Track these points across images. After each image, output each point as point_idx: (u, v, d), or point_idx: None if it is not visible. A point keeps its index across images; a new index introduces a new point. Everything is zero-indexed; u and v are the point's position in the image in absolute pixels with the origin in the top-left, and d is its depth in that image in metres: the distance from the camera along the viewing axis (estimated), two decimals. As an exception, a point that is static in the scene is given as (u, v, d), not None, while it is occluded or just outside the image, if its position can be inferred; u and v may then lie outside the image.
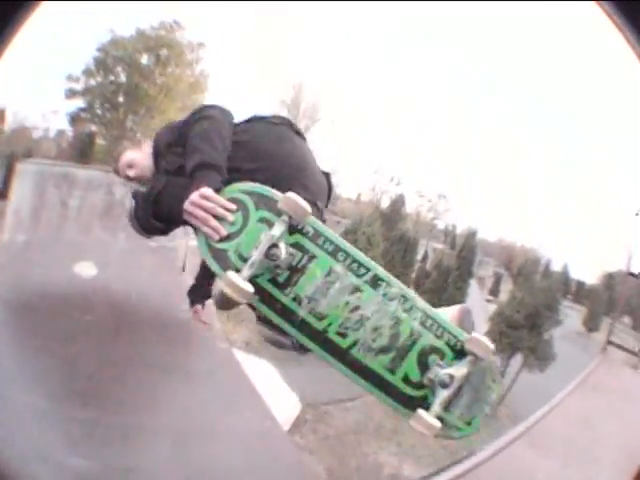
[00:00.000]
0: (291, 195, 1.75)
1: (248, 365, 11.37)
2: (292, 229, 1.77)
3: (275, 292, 1.78)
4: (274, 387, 11.14)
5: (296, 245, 1.78)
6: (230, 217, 1.81)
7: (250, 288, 1.67)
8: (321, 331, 1.79)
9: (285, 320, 1.79)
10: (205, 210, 1.82)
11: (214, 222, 1.82)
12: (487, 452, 6.95)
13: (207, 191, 1.84)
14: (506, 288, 31.98)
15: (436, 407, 1.75)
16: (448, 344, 1.82)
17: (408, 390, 1.86)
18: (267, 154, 2.25)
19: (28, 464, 7.57)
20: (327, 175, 2.45)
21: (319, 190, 2.34)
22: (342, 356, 1.80)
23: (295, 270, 1.77)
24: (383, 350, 1.79)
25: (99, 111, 16.60)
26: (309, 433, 11.48)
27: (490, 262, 39.22)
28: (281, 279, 1.77)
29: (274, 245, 1.72)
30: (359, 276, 1.79)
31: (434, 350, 1.81)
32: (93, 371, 9.84)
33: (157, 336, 10.97)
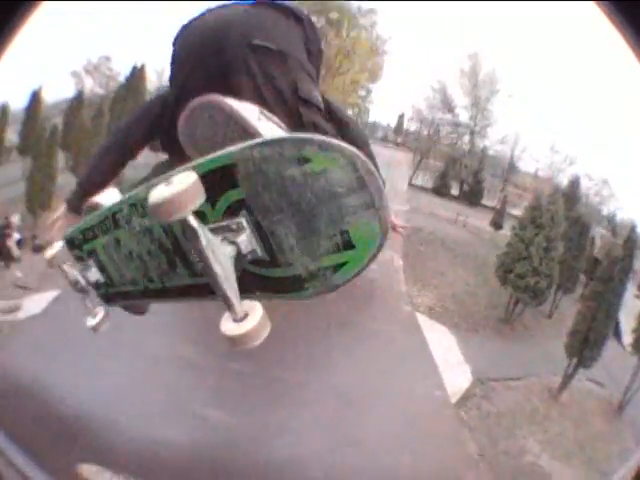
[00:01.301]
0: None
1: (428, 331, 11.29)
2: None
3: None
4: (450, 356, 10.92)
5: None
6: None
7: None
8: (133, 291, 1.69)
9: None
10: None
11: None
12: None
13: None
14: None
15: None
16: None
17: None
18: None
19: (166, 416, 8.08)
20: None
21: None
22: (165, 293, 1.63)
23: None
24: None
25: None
26: (473, 408, 11.27)
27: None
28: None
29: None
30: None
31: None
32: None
33: (337, 296, 11.18)
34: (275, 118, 1.70)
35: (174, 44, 1.98)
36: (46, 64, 15.28)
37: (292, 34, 1.92)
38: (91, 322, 1.67)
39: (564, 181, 17.23)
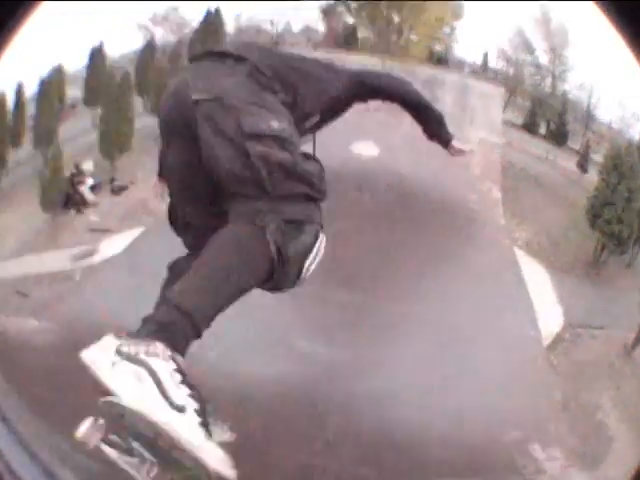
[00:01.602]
0: None
1: (525, 268, 10.85)
2: None
3: None
4: (545, 296, 10.46)
5: None
6: None
7: None
8: None
9: None
10: None
11: None
12: None
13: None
14: None
15: None
16: None
17: None
18: None
19: (258, 350, 7.89)
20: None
21: None
22: None
23: None
24: None
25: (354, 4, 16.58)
26: (562, 354, 10.74)
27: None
28: None
29: None
30: None
31: None
32: (362, 255, 9.99)
33: (439, 226, 10.87)
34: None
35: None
36: (101, 23, 15.13)
37: (233, 75, 2.03)
38: None
39: (636, 136, 16.63)
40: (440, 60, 16.14)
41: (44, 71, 15.12)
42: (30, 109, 15.24)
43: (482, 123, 12.37)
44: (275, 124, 1.91)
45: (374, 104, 11.74)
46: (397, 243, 9.89)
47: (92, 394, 1.59)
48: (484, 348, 8.44)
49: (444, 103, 12.29)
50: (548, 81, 15.69)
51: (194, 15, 17.05)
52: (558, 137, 14.99)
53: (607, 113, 14.79)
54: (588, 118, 15.14)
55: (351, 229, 10.02)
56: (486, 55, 16.70)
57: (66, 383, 4.09)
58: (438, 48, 16.90)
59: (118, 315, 8.10)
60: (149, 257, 9.56)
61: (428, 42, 16.39)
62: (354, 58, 12.89)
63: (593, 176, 13.85)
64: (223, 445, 1.58)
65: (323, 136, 10.23)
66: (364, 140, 11.87)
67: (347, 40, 15.88)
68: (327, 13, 16.71)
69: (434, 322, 8.73)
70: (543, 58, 15.79)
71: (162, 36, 16.83)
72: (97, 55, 15.73)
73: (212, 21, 15.69)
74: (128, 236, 11.13)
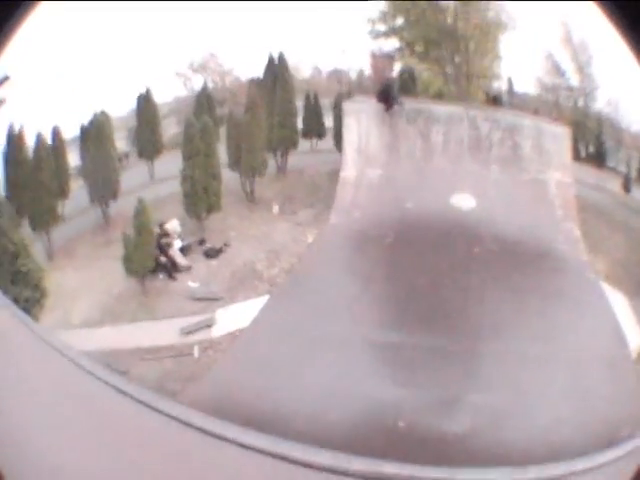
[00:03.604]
0: None
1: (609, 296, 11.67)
2: None
3: None
4: (625, 318, 11.04)
5: None
6: None
7: None
8: None
9: None
10: None
11: None
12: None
13: None
14: None
15: None
16: None
17: None
18: None
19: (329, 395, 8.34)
20: None
21: None
22: None
23: None
24: None
25: (419, 49, 16.85)
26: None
27: None
28: None
29: None
30: None
31: None
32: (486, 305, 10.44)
33: (537, 268, 11.56)
34: None
35: None
36: (141, 70, 14.65)
37: None
38: None
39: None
40: (495, 99, 16.15)
41: (86, 117, 14.61)
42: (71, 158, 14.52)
43: (557, 165, 12.98)
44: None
45: (460, 153, 12.29)
46: (489, 287, 10.51)
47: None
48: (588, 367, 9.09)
49: (525, 147, 12.99)
50: (580, 102, 16.17)
51: (233, 62, 17.21)
52: (598, 158, 15.51)
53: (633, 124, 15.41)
54: (620, 133, 15.68)
55: (464, 281, 10.70)
56: (510, 80, 17.07)
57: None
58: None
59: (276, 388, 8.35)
60: (285, 325, 9.75)
61: (485, 82, 16.93)
62: (444, 108, 13.37)
63: (636, 194, 14.69)
64: None
65: (424, 192, 10.83)
66: (461, 193, 12.35)
67: (404, 85, 15.71)
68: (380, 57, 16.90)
69: (527, 355, 9.31)
70: (574, 79, 16.24)
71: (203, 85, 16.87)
72: (145, 101, 15.27)
73: (276, 64, 15.54)
74: (247, 305, 11.01)
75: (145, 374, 9.88)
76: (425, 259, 11.01)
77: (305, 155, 16.44)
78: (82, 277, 12.31)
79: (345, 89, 16.91)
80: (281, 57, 15.54)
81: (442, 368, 8.80)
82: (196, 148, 13.01)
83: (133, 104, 15.36)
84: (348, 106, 14.42)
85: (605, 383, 8.74)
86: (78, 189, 14.72)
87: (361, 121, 13.83)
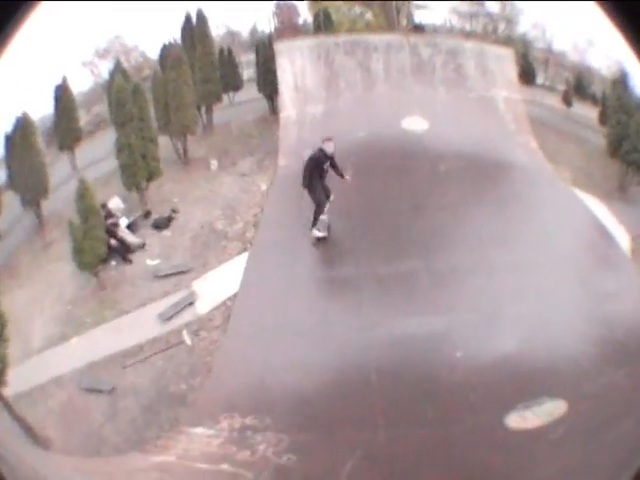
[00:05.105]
0: None
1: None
2: None
3: None
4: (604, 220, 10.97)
5: None
6: None
7: None
8: None
9: None
10: None
11: None
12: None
13: None
14: None
15: None
16: None
17: None
18: None
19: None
20: None
21: None
22: None
23: None
24: None
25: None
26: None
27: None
28: None
29: None
30: None
31: None
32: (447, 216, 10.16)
33: (503, 180, 11.44)
34: None
35: None
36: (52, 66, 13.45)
37: None
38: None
39: (592, 61, 17.65)
40: (417, 27, 16.30)
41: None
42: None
43: (502, 83, 13.12)
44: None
45: (403, 79, 11.96)
46: (470, 202, 10.34)
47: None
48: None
49: (468, 68, 12.92)
50: (501, 27, 16.54)
51: (137, 41, 16.14)
52: (527, 77, 15.93)
53: (561, 45, 15.94)
54: (549, 53, 16.15)
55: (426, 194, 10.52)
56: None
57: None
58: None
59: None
60: (273, 281, 9.24)
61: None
62: (381, 38, 13.08)
63: (577, 108, 14.98)
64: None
65: (373, 120, 10.55)
66: (411, 116, 12.11)
67: (322, 25, 15.49)
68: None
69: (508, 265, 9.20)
70: (493, 7, 16.57)
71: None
72: (63, 93, 13.95)
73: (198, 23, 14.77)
74: (224, 269, 10.05)
75: (136, 384, 8.15)
76: (391, 185, 10.69)
77: (225, 109, 15.88)
78: (29, 293, 10.43)
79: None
80: (199, 13, 14.72)
81: (460, 287, 8.61)
82: (129, 113, 11.85)
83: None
84: (279, 46, 14.02)
85: (609, 280, 8.80)
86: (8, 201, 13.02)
87: (295, 60, 13.50)
